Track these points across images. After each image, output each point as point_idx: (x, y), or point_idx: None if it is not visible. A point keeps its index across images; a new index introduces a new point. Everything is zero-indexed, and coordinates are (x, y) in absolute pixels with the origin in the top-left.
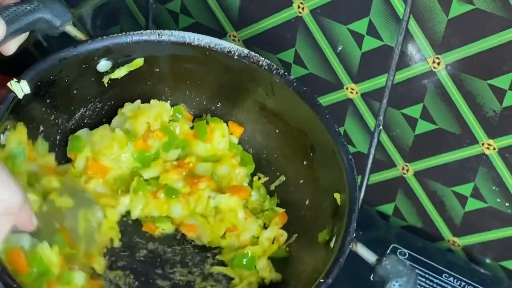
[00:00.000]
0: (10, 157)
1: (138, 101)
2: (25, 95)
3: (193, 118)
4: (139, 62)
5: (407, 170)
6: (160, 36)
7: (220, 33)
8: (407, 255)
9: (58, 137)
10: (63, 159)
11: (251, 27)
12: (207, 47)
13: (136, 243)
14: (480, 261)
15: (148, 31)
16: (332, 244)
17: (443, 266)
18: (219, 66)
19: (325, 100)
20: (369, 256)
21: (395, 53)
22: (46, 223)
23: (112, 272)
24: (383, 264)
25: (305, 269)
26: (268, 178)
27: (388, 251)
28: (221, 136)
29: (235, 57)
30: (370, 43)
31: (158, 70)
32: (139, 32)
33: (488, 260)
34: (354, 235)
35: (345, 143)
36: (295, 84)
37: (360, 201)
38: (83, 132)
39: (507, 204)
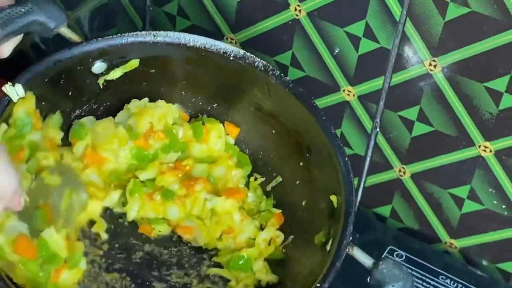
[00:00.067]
0: (16, 127)
1: (146, 99)
2: (20, 98)
3: (189, 118)
4: (134, 63)
5: (404, 172)
6: (155, 37)
7: (217, 36)
8: (404, 257)
9: None
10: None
11: (248, 30)
12: (203, 48)
13: (132, 245)
14: (476, 263)
15: (143, 32)
16: (328, 247)
17: (440, 268)
18: (215, 67)
19: (322, 102)
20: (365, 259)
21: (392, 56)
22: (31, 199)
23: (108, 274)
24: (379, 268)
25: (302, 270)
26: (264, 178)
27: (385, 253)
28: (217, 137)
29: (231, 58)
30: (366, 46)
31: (153, 71)
32: (134, 33)
33: (484, 262)
34: (351, 238)
35: (341, 145)
36: (291, 85)
37: (357, 203)
38: (88, 120)
39: (503, 206)
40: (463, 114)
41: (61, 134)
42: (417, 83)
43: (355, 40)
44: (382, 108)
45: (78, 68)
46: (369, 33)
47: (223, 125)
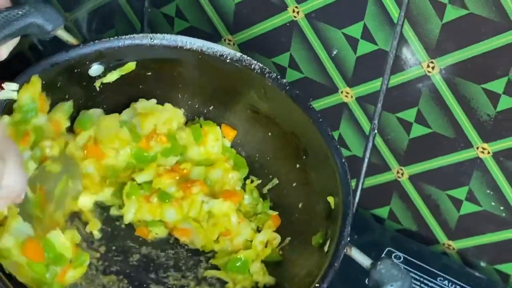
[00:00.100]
0: (21, 112)
1: (154, 100)
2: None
3: (186, 121)
4: (131, 66)
5: (402, 174)
6: (152, 40)
7: (215, 37)
8: (402, 258)
9: None
10: None
11: (246, 31)
12: (199, 50)
13: (129, 248)
14: (474, 264)
15: (140, 34)
16: (326, 248)
17: (438, 270)
18: (212, 69)
19: (320, 104)
20: (363, 260)
21: (390, 57)
22: (30, 185)
23: (105, 277)
24: (377, 268)
25: (299, 272)
26: (261, 181)
27: (383, 255)
28: (215, 140)
29: (228, 60)
30: (364, 47)
31: (150, 74)
32: (131, 36)
33: (482, 264)
34: (349, 239)
35: (338, 146)
36: (287, 87)
37: (355, 204)
38: (95, 112)
39: (501, 208)
40: (461, 115)
41: (68, 123)
42: (415, 85)
43: (353, 42)
44: (380, 109)
45: (75, 70)
46: (367, 35)
47: (220, 128)
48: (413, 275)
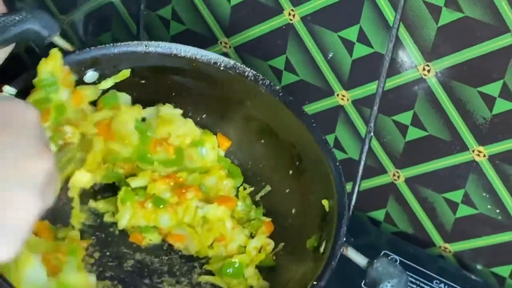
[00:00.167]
0: (41, 87)
1: (180, 111)
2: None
3: None
4: (126, 73)
5: (398, 177)
6: (147, 47)
7: (211, 40)
8: (398, 261)
9: None
10: None
11: (242, 34)
12: (194, 58)
13: (123, 254)
14: (471, 267)
15: (135, 42)
16: (322, 250)
17: (434, 273)
18: (206, 77)
19: (316, 106)
20: (360, 259)
21: (386, 60)
22: None
23: (100, 282)
24: (374, 267)
25: (293, 276)
26: (253, 188)
27: None
28: (211, 148)
29: (221, 68)
30: (360, 50)
31: (144, 82)
32: (126, 43)
33: (479, 267)
34: (345, 239)
35: (332, 150)
36: (281, 94)
37: (351, 207)
38: (123, 96)
39: (497, 211)
40: (457, 118)
41: (92, 98)
42: (411, 88)
43: (349, 45)
44: (376, 112)
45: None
46: (363, 38)
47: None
48: (409, 278)
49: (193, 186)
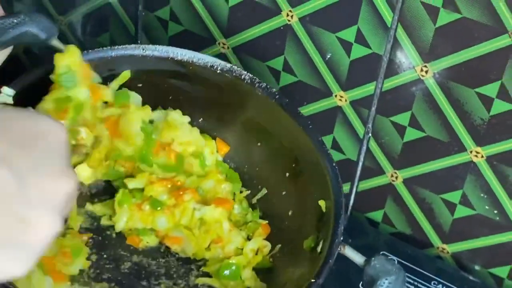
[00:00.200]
0: (59, 82)
1: (188, 118)
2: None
3: None
4: (126, 74)
5: (396, 177)
6: (144, 51)
7: (209, 41)
8: (396, 262)
9: None
10: None
11: (240, 35)
12: (190, 61)
13: (120, 256)
14: (469, 268)
15: (132, 45)
16: (319, 249)
17: (432, 274)
18: (202, 80)
19: (314, 107)
20: (357, 258)
21: (383, 61)
22: None
23: (97, 284)
24: (372, 264)
25: (290, 277)
26: (250, 191)
27: None
28: (210, 153)
29: (218, 71)
30: (358, 51)
31: (141, 85)
32: (123, 46)
33: (477, 267)
34: (342, 238)
35: (329, 151)
36: (277, 96)
37: (350, 208)
38: (133, 95)
39: (495, 212)
40: (455, 119)
41: (110, 98)
42: (408, 89)
43: (347, 46)
44: (374, 113)
45: None
46: (360, 39)
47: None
48: (407, 279)
49: (190, 188)
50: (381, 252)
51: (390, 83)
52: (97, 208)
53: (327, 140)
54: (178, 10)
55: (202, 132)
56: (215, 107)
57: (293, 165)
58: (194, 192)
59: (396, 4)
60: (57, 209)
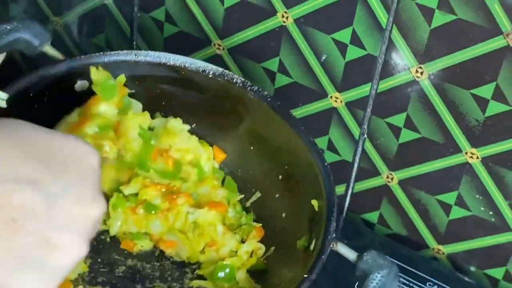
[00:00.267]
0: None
1: (187, 126)
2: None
3: None
4: (121, 79)
5: (392, 179)
6: (136, 57)
7: (205, 42)
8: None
9: None
10: None
11: (235, 36)
12: (183, 66)
13: (115, 260)
14: (464, 269)
15: (124, 51)
16: (312, 247)
17: (427, 275)
18: (195, 85)
19: (310, 109)
20: (349, 254)
21: (379, 63)
22: None
23: (92, 287)
24: (364, 259)
25: (284, 278)
26: (243, 195)
27: None
28: (207, 159)
29: (210, 75)
30: (353, 53)
31: (134, 91)
32: (116, 52)
33: (472, 268)
34: (334, 235)
35: (320, 151)
36: (269, 99)
37: (345, 209)
38: (135, 103)
39: (490, 213)
40: (450, 121)
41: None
42: (404, 90)
43: (342, 47)
44: (369, 114)
45: (62, 85)
46: (356, 40)
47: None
48: (402, 280)
49: (184, 192)
50: None
51: (385, 85)
52: None
53: (323, 141)
54: (174, 11)
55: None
56: (208, 112)
57: (286, 167)
58: (188, 196)
59: (391, 5)
60: (84, 234)
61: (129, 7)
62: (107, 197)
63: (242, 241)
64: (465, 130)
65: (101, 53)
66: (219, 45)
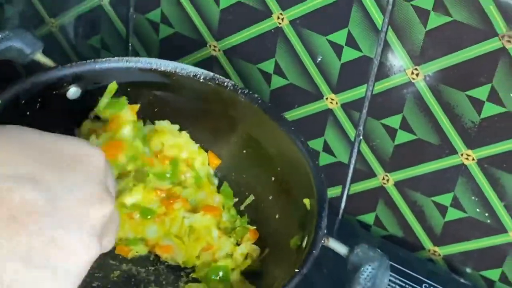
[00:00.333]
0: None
1: (177, 126)
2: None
3: None
4: (114, 86)
5: (388, 180)
6: (127, 63)
7: (200, 43)
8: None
9: None
10: None
11: (231, 38)
12: (173, 72)
13: (109, 265)
14: (460, 271)
15: (115, 58)
16: (304, 244)
17: (423, 276)
18: (186, 90)
19: (305, 110)
20: (341, 248)
21: (374, 64)
22: None
23: None
24: (355, 252)
25: (278, 277)
26: (238, 199)
27: None
28: (202, 164)
29: (201, 80)
30: (349, 54)
31: (126, 98)
32: (107, 59)
33: (468, 270)
34: (326, 231)
35: (311, 150)
36: (259, 101)
37: (341, 211)
38: (126, 112)
39: (486, 214)
40: (446, 122)
41: None
42: (399, 92)
43: (337, 49)
44: (365, 116)
45: (54, 92)
46: (351, 42)
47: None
48: (398, 281)
49: (180, 197)
50: None
51: (381, 86)
52: None
53: (318, 142)
54: (169, 12)
55: None
56: (200, 117)
57: (279, 169)
58: (185, 201)
59: (387, 7)
60: (92, 233)
61: (125, 8)
62: None
63: (237, 244)
64: (461, 132)
65: (93, 60)
66: (215, 46)
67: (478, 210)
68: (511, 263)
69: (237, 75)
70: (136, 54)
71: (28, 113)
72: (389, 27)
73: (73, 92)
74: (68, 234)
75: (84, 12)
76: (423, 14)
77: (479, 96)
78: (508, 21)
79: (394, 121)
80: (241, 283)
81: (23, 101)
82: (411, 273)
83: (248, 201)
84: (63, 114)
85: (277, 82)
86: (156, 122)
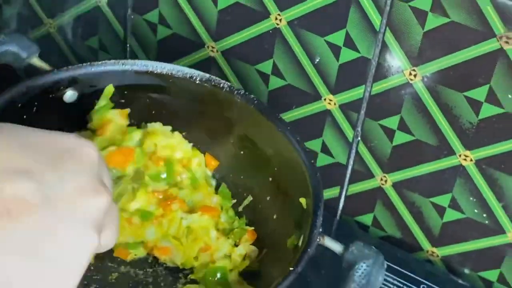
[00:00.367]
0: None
1: (169, 127)
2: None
3: None
4: (110, 89)
5: (386, 181)
6: (123, 66)
7: (198, 44)
8: (385, 266)
9: None
10: None
11: (229, 38)
12: (170, 74)
13: (108, 267)
14: (458, 271)
15: (111, 61)
16: (300, 243)
17: (421, 277)
18: (183, 92)
19: (303, 111)
20: (336, 247)
21: (372, 65)
22: None
23: None
24: (350, 250)
25: (275, 277)
26: (236, 200)
27: None
28: (198, 165)
29: (197, 82)
30: (347, 55)
31: (123, 101)
32: (103, 62)
33: (466, 271)
34: (322, 230)
35: (307, 149)
36: (256, 102)
37: (339, 211)
38: (117, 118)
39: (484, 215)
40: (444, 123)
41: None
42: (397, 92)
43: (335, 49)
44: (363, 117)
45: (50, 96)
46: (349, 43)
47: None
48: (397, 282)
49: (178, 198)
50: None
51: (379, 87)
52: None
53: (316, 143)
54: (167, 13)
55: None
56: (197, 119)
57: (275, 169)
58: (182, 202)
59: (385, 8)
60: (88, 224)
61: (123, 9)
62: None
63: (235, 245)
64: (459, 133)
65: (89, 63)
66: (213, 47)
67: (476, 211)
68: (509, 264)
69: (235, 76)
70: (134, 55)
71: (24, 116)
72: (387, 28)
73: (69, 95)
74: (64, 225)
75: (82, 13)
76: (421, 15)
77: (477, 97)
78: (506, 22)
79: (392, 122)
80: (239, 284)
81: (19, 105)
82: (409, 274)
83: (246, 202)
84: (59, 118)
85: (275, 83)
86: (148, 124)
